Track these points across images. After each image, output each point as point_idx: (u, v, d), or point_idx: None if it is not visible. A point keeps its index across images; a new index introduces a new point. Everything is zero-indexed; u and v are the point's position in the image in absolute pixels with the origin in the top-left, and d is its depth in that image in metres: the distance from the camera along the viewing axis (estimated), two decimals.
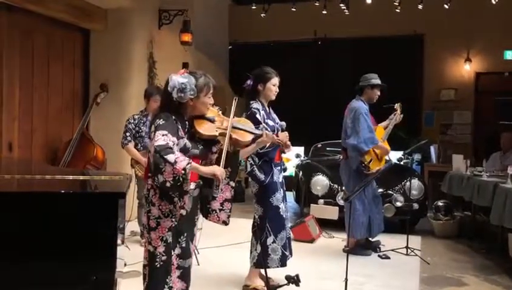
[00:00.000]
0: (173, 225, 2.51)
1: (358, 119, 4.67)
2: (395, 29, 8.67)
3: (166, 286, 2.51)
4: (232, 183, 2.64)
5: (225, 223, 2.63)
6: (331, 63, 9.52)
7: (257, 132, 3.09)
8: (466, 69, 8.69)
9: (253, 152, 3.42)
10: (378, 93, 4.84)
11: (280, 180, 3.73)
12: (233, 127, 2.72)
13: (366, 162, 4.68)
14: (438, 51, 8.75)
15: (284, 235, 3.68)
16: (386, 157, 5.03)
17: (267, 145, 3.42)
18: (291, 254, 3.81)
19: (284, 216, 3.70)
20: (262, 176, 3.60)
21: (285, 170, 3.92)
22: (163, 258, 2.49)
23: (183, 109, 2.53)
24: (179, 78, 2.47)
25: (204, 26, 8.00)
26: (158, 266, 2.49)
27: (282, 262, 3.65)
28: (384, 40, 8.94)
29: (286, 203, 3.82)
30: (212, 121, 2.64)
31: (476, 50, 8.59)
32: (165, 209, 2.48)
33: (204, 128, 2.59)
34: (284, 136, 3.71)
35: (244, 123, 2.94)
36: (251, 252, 3.73)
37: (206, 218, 2.65)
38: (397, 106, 4.92)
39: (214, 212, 2.61)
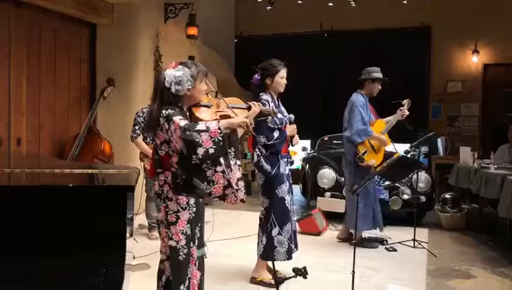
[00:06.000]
0: (191, 217, 2.55)
1: (353, 112, 4.73)
2: (402, 21, 8.61)
3: (187, 277, 2.55)
4: (239, 162, 2.65)
5: (243, 201, 2.62)
6: (337, 56, 9.48)
7: (246, 106, 3.05)
8: (474, 60, 8.61)
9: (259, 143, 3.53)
10: (379, 87, 4.83)
11: (286, 172, 3.73)
12: (230, 108, 2.78)
13: (360, 154, 4.70)
14: (445, 43, 8.68)
15: (290, 227, 3.68)
16: (392, 149, 5.02)
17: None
18: (296, 247, 3.82)
19: (289, 208, 3.70)
20: (268, 167, 3.60)
21: (292, 163, 3.91)
22: (185, 251, 2.53)
23: (181, 101, 2.58)
24: (174, 72, 2.52)
25: (210, 19, 7.99)
26: (181, 259, 2.53)
27: (289, 255, 3.67)
28: (391, 32, 8.88)
29: (292, 196, 3.82)
30: (209, 106, 2.71)
31: (484, 41, 8.51)
32: (183, 202, 2.52)
33: (205, 115, 2.64)
34: (292, 129, 3.72)
35: (234, 102, 2.98)
36: (258, 245, 3.75)
37: (224, 201, 2.62)
38: (405, 102, 4.86)
39: (231, 193, 2.59)
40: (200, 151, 2.34)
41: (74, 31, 5.90)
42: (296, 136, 3.76)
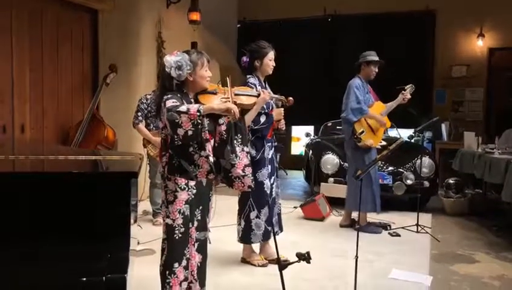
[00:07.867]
0: (190, 198, 2.58)
1: (349, 93, 4.82)
2: (407, 5, 8.51)
3: (184, 257, 2.58)
4: (246, 149, 2.68)
5: (250, 187, 2.67)
6: (341, 40, 9.39)
7: (256, 93, 3.20)
8: (479, 44, 8.52)
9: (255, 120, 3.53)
10: (375, 70, 4.88)
11: (269, 156, 3.72)
12: (236, 94, 2.84)
13: (357, 134, 4.72)
14: (450, 27, 8.58)
15: (267, 210, 3.70)
16: (395, 134, 5.01)
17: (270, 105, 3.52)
18: (281, 229, 3.89)
19: (269, 192, 3.70)
20: (253, 152, 3.60)
21: (276, 147, 3.88)
22: (182, 230, 2.57)
23: (185, 87, 2.62)
24: (173, 58, 2.57)
25: (213, 4, 7.92)
26: (177, 238, 2.57)
27: (265, 237, 3.72)
28: (396, 16, 8.78)
29: (277, 179, 3.84)
30: (215, 93, 2.75)
31: (489, 25, 8.40)
32: (181, 183, 2.56)
33: (211, 102, 2.66)
34: (278, 112, 3.69)
35: (243, 89, 3.09)
36: (237, 227, 3.81)
37: (232, 187, 2.68)
38: (408, 86, 4.91)
39: (238, 179, 2.62)
40: (180, 132, 2.39)
41: (76, 17, 5.87)
42: (282, 121, 3.72)
